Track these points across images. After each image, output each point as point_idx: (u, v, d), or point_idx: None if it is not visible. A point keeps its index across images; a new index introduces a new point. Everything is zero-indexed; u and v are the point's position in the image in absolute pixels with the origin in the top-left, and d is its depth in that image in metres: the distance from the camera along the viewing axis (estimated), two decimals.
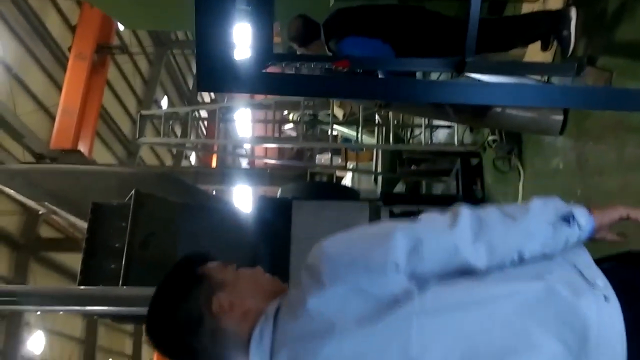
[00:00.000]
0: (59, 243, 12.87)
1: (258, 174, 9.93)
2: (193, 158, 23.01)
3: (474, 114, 3.42)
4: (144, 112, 6.79)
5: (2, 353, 11.64)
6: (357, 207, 4.57)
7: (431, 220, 1.11)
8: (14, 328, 11.64)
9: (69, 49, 13.35)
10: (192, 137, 10.32)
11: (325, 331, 1.03)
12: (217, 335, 1.19)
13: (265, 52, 2.45)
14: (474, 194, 4.69)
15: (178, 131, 22.52)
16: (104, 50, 13.45)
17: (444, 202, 5.03)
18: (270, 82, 1.66)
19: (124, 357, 17.62)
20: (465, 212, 1.09)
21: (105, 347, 15.74)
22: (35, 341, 12.53)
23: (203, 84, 1.51)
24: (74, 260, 14.40)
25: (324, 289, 1.05)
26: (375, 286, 1.03)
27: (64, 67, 13.64)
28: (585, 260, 1.14)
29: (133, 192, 4.30)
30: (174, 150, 19.76)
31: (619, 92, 1.86)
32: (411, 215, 3.96)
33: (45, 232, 12.95)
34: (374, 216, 4.58)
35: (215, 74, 1.51)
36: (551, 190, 3.27)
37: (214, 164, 16.96)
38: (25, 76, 12.57)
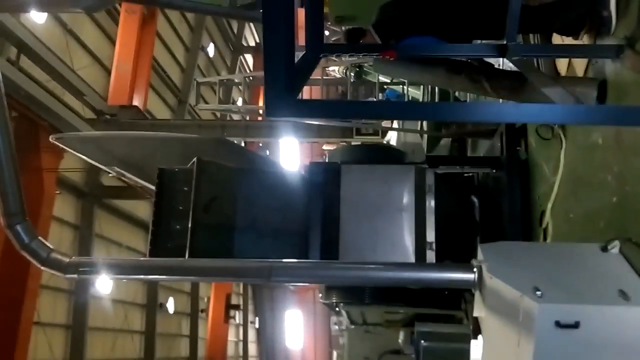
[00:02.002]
0: (120, 191, 13.71)
1: (305, 127, 10.20)
2: (240, 103, 23.44)
3: (511, 90, 3.53)
4: (200, 80, 7.12)
5: (73, 293, 12.76)
6: (403, 170, 4.80)
7: None
8: None
9: (119, 2, 13.64)
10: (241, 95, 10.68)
11: None
12: None
13: (318, 44, 2.69)
14: (517, 155, 4.82)
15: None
16: (152, 2, 13.66)
17: (488, 163, 5.19)
18: (326, 108, 1.90)
19: (184, 294, 18.89)
20: None
21: (166, 285, 16.93)
22: (102, 283, 13.65)
23: (271, 112, 1.76)
24: (133, 205, 15.34)
25: None
26: None
27: (115, 21, 14.02)
28: None
29: (195, 159, 4.66)
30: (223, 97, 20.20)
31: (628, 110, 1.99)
32: (458, 176, 4.20)
33: (107, 180, 13.79)
34: (420, 179, 4.81)
35: (281, 102, 1.77)
36: (590, 162, 3.41)
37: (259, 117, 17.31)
38: (79, 31, 13.02)
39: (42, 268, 3.10)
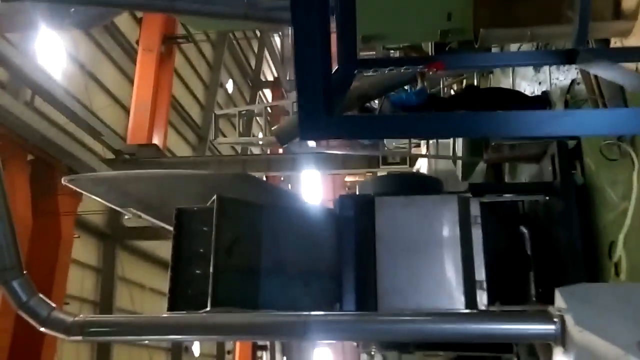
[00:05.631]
0: (141, 231, 13.40)
1: (329, 159, 9.79)
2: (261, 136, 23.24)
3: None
4: (218, 112, 6.82)
5: None
6: (444, 200, 4.33)
7: None
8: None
9: (137, 42, 13.62)
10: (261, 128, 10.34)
11: None
12: None
13: (352, 60, 2.27)
14: (572, 180, 4.32)
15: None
16: (170, 41, 13.63)
17: (539, 190, 4.68)
18: (371, 125, 1.48)
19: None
20: None
21: None
22: None
23: (306, 132, 1.34)
24: (154, 246, 15.01)
25: None
26: None
27: (133, 60, 13.97)
28: None
29: (215, 197, 4.26)
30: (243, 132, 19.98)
31: None
32: (502, 205, 3.60)
33: (128, 221, 13.49)
34: (463, 209, 4.32)
35: (318, 121, 1.35)
36: None
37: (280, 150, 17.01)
38: (97, 72, 12.96)
39: (42, 329, 2.69)
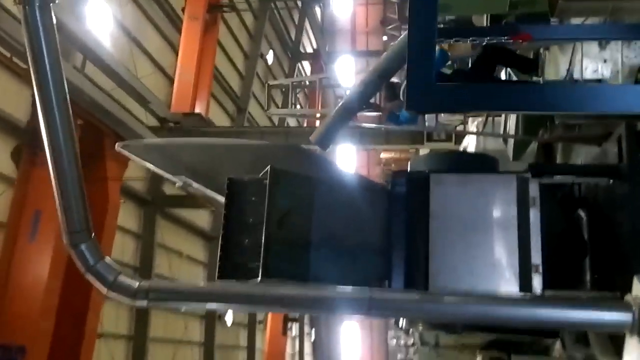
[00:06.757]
0: (181, 200, 13.61)
1: (372, 133, 9.66)
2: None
3: None
4: (271, 82, 6.77)
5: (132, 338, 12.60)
6: (503, 180, 4.21)
7: None
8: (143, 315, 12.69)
9: (182, 9, 13.60)
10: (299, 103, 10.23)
11: None
12: None
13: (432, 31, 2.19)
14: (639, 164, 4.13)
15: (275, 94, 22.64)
16: (215, 9, 13.57)
17: (604, 172, 4.50)
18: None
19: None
20: None
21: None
22: None
23: (413, 105, 1.28)
24: (193, 214, 15.24)
25: None
26: None
27: (177, 28, 13.99)
28: None
29: (269, 168, 4.24)
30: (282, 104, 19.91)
31: None
32: (559, 187, 3.47)
33: (169, 189, 13.72)
34: (522, 190, 4.21)
35: (428, 92, 1.28)
36: None
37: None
38: (142, 39, 13.02)
39: (109, 294, 2.74)
